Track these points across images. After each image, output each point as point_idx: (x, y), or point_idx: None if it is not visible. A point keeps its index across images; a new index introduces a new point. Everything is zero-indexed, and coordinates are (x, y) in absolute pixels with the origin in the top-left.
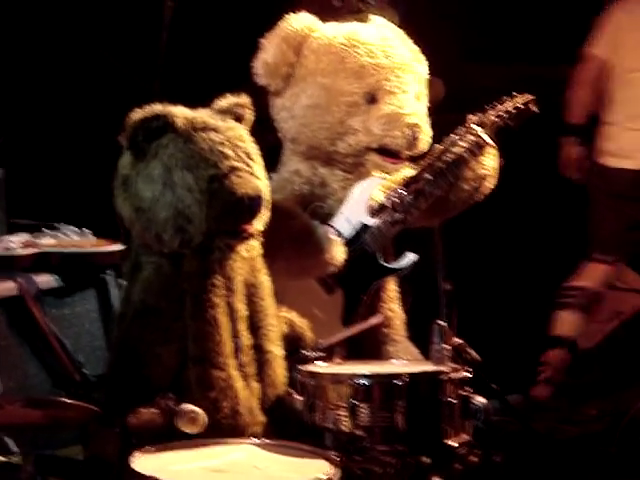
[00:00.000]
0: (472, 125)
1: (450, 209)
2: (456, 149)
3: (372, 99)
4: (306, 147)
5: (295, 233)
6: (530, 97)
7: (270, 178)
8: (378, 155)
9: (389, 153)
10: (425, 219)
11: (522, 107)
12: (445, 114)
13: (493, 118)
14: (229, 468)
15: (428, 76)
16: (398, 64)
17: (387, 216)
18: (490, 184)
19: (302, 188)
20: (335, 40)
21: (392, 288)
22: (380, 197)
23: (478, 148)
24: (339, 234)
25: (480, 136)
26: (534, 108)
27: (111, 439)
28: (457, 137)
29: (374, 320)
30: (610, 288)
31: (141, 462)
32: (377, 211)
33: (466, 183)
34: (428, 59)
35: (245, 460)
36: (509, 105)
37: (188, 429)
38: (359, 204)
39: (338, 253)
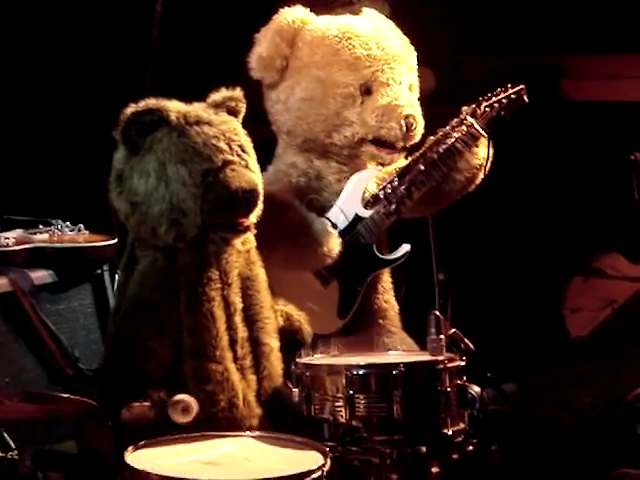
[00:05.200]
0: (465, 116)
1: (443, 199)
2: (449, 140)
3: (367, 91)
4: (302, 140)
5: (292, 226)
6: (521, 87)
7: (265, 170)
8: (374, 146)
9: (384, 144)
10: (418, 210)
11: (514, 97)
12: (438, 106)
13: (486, 109)
14: (221, 461)
15: (419, 67)
16: (392, 55)
17: (381, 207)
18: (482, 174)
19: (298, 180)
20: (329, 32)
21: (386, 279)
22: (374, 189)
23: (471, 139)
24: (334, 226)
25: (473, 127)
26: (526, 98)
27: (104, 433)
28: (450, 128)
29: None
30: (602, 276)
31: (135, 456)
32: (371, 203)
33: (459, 174)
34: (419, 50)
35: (237, 452)
36: (501, 96)
37: (181, 419)
38: (354, 196)
39: (335, 245)
